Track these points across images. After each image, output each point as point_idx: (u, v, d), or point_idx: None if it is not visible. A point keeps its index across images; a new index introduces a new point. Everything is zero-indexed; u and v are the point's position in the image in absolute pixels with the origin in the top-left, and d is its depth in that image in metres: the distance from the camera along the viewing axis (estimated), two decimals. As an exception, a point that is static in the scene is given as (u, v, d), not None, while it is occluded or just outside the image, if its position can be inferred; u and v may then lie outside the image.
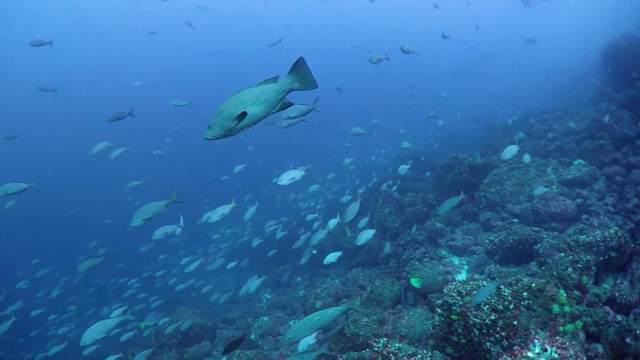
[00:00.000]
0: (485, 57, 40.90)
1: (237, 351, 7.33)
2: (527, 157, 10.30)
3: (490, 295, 4.68)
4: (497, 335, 4.57)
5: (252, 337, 9.23)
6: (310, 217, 13.46)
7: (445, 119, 18.08)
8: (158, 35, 27.21)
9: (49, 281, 15.29)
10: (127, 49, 48.15)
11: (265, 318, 10.13)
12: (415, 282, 7.49)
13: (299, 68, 2.93)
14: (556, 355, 3.69)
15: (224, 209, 6.87)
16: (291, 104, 3.08)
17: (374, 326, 6.63)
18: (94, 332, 5.72)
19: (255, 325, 9.84)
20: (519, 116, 17.70)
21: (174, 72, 51.31)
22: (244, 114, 2.85)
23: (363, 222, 9.83)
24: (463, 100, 29.74)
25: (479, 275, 6.02)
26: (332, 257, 8.57)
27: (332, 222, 8.79)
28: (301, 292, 11.28)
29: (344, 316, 8.31)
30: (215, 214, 6.83)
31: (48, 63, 39.28)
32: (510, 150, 8.46)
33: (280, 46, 16.73)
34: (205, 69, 51.17)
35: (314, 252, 12.28)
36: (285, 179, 6.23)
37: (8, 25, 35.92)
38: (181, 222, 8.54)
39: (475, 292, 5.05)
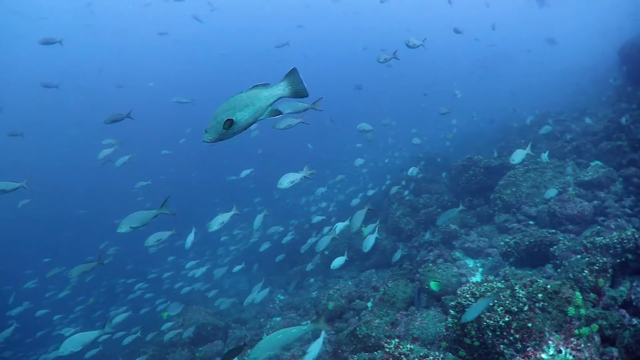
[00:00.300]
0: (497, 57, 40.56)
1: (249, 350, 7.30)
2: (544, 156, 10.15)
3: (481, 312, 4.61)
4: (511, 338, 4.49)
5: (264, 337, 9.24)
6: (317, 219, 13.32)
7: (460, 119, 17.90)
8: (170, 36, 27.34)
9: (59, 280, 15.41)
10: (139, 51, 48.48)
11: (278, 318, 10.12)
12: (434, 286, 7.41)
13: (292, 77, 3.03)
14: (571, 357, 3.62)
15: (224, 218, 6.52)
16: (280, 113, 3.16)
17: (386, 328, 6.57)
18: (71, 344, 5.61)
19: (268, 326, 9.84)
20: (536, 116, 17.53)
21: (186, 73, 51.59)
22: (231, 120, 2.96)
23: (369, 228, 9.42)
24: (479, 100, 29.53)
25: (493, 276, 5.94)
26: (339, 262, 8.41)
27: (340, 226, 8.55)
28: (314, 294, 11.25)
29: (357, 317, 8.30)
30: (215, 223, 6.50)
31: (59, 64, 39.77)
32: (519, 155, 8.10)
33: (294, 45, 16.72)
34: (216, 69, 51.34)
35: (327, 252, 12.23)
36: (286, 182, 5.92)
37: (21, 25, 36.36)
38: (191, 236, 8.45)
39: (488, 293, 4.99)
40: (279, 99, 3.07)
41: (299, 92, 3.06)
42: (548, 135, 13.76)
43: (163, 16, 40.67)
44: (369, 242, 7.73)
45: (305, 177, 5.92)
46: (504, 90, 29.40)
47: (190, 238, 8.54)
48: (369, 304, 8.69)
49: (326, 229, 11.62)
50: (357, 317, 8.32)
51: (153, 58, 49.87)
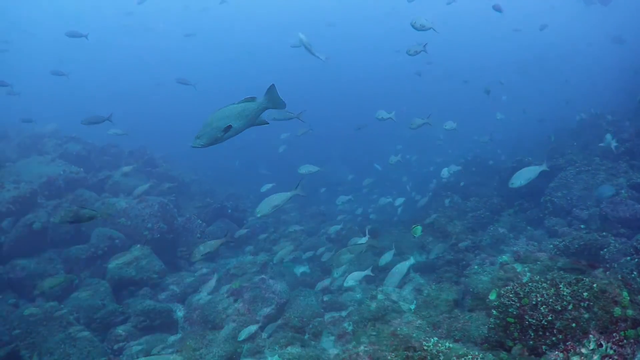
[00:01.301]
0: (551, 57, 39.26)
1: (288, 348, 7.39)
2: (609, 137, 9.82)
3: None
4: (554, 338, 4.35)
5: (306, 337, 9.31)
6: (334, 229, 12.94)
7: (509, 118, 17.44)
8: (199, 36, 27.72)
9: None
10: (173, 49, 49.56)
11: (320, 319, 10.15)
12: (492, 296, 7.26)
13: (271, 93, 3.67)
14: (611, 352, 3.49)
15: (210, 246, 5.76)
16: (267, 123, 3.83)
17: (427, 329, 6.52)
18: None
19: (310, 325, 9.89)
20: (589, 116, 16.92)
21: (219, 72, 52.56)
22: (230, 127, 3.48)
23: (387, 256, 8.58)
24: (532, 100, 28.72)
25: (538, 277, 5.78)
26: (356, 277, 7.71)
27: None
28: (358, 295, 11.21)
29: (399, 319, 8.23)
30: (198, 254, 5.73)
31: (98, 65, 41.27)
32: (521, 177, 6.96)
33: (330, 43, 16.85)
34: (245, 67, 51.97)
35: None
36: (267, 207, 5.13)
37: (56, 23, 37.99)
38: (212, 283, 7.97)
39: (532, 293, 4.86)
40: (264, 110, 3.67)
41: (277, 105, 3.73)
42: (600, 137, 13.28)
43: (197, 17, 41.70)
44: (394, 278, 7.03)
45: (299, 195, 5.46)
46: (559, 89, 28.42)
47: (211, 284, 7.93)
48: (412, 306, 8.62)
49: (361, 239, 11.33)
50: (399, 319, 8.27)
51: (186, 57, 50.94)
